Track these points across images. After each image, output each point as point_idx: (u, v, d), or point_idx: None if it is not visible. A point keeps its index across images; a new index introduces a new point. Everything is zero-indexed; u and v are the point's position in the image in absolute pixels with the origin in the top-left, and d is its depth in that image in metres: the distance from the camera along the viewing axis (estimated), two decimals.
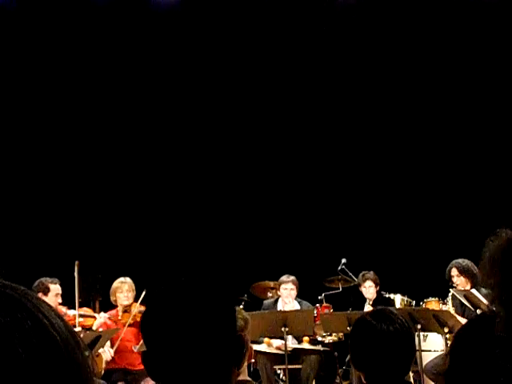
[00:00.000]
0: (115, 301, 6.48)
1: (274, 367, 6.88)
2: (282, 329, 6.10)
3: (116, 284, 6.49)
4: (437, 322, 5.74)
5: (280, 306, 7.07)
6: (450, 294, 6.76)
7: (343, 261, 7.96)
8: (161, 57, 9.21)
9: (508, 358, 1.80)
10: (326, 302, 7.67)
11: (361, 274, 7.36)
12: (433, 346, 6.90)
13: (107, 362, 6.20)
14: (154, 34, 9.15)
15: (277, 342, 6.80)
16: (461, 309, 6.50)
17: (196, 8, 9.23)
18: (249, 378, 2.85)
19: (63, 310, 6.16)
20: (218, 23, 9.18)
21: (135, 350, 6.04)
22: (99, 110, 9.14)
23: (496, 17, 8.97)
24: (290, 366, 6.37)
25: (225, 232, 9.04)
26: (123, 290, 6.42)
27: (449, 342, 6.19)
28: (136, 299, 6.41)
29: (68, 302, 6.32)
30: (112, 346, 6.22)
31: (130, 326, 6.26)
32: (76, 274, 6.34)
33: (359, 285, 7.38)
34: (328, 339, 7.19)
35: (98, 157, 9.16)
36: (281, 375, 7.07)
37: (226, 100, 9.35)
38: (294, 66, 9.29)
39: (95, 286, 7.65)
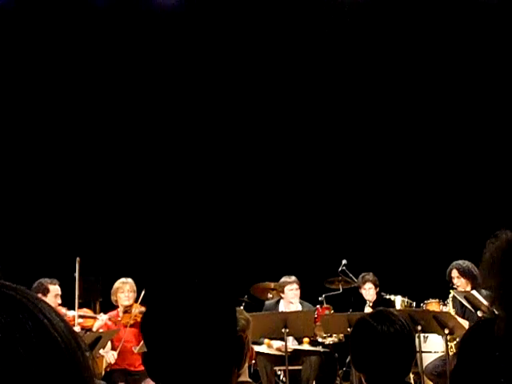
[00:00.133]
0: (116, 301, 6.48)
1: (274, 368, 6.88)
2: (283, 330, 6.10)
3: (117, 284, 6.49)
4: (437, 323, 5.74)
5: (282, 307, 7.06)
6: (450, 296, 6.76)
7: (344, 262, 7.96)
8: (161, 58, 9.22)
9: (508, 359, 1.80)
10: (327, 303, 7.67)
11: (360, 276, 7.36)
12: (433, 347, 6.90)
13: (110, 364, 6.20)
14: (154, 34, 9.16)
15: (277, 344, 6.80)
16: (461, 310, 6.49)
17: (197, 9, 9.24)
18: (249, 380, 2.85)
19: (63, 310, 6.15)
20: (220, 23, 9.18)
21: (135, 351, 6.03)
22: (102, 109, 9.15)
23: (497, 17, 8.97)
24: (290, 367, 6.36)
25: (225, 233, 9.04)
26: (124, 290, 6.42)
27: (449, 344, 6.19)
28: (136, 300, 6.41)
29: (68, 302, 6.32)
30: (114, 348, 6.22)
31: (130, 326, 6.26)
32: (77, 271, 6.33)
33: (359, 286, 7.38)
34: (328, 340, 7.18)
35: (99, 159, 9.16)
36: (281, 376, 7.07)
37: (228, 100, 9.35)
38: (296, 66, 9.30)
39: (96, 287, 7.65)
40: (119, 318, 6.38)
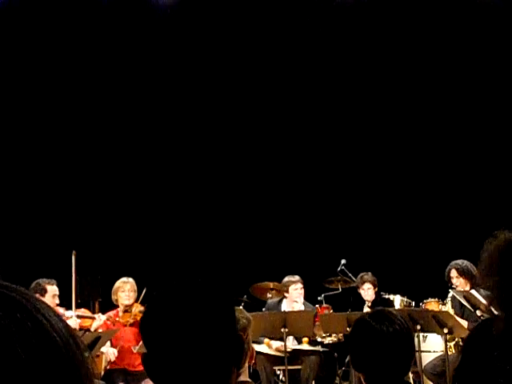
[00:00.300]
0: (116, 300, 6.48)
1: (274, 368, 6.88)
2: (282, 329, 6.10)
3: (118, 283, 6.49)
4: (436, 322, 5.74)
5: (284, 307, 7.05)
6: (449, 295, 6.76)
7: (343, 262, 7.96)
8: (161, 56, 9.22)
9: (507, 359, 1.81)
10: (326, 303, 7.67)
11: (359, 276, 7.34)
12: (432, 346, 6.90)
13: (109, 363, 6.20)
14: (155, 33, 9.16)
15: (276, 344, 6.80)
16: (460, 310, 6.50)
17: (196, 8, 9.24)
18: (249, 380, 2.85)
19: (61, 310, 6.15)
20: (217, 23, 9.18)
21: (134, 351, 6.03)
22: (99, 106, 9.15)
23: (496, 17, 8.97)
24: (289, 367, 6.37)
25: (224, 233, 9.04)
26: (125, 289, 6.42)
27: (448, 343, 6.19)
28: (137, 300, 6.41)
29: (66, 303, 6.31)
30: (113, 347, 6.22)
31: (130, 325, 6.26)
32: (73, 265, 6.30)
33: (358, 287, 7.37)
34: (328, 340, 7.18)
35: (99, 156, 9.16)
36: (280, 376, 7.07)
37: (226, 100, 9.35)
38: (293, 65, 9.30)
39: (95, 287, 7.65)
40: (118, 318, 6.38)
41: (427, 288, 7.35)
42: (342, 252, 8.12)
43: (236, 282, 7.61)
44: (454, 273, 6.55)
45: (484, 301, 5.42)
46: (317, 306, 7.44)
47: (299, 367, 6.78)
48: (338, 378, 7.42)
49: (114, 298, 6.51)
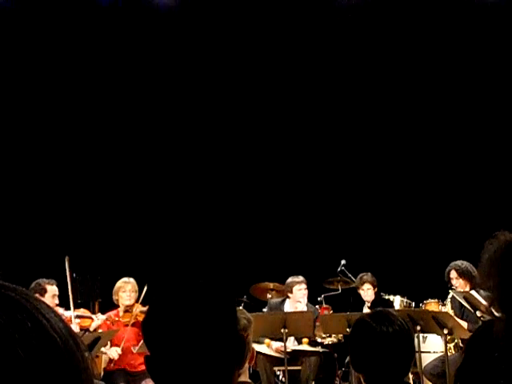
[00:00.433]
0: (117, 300, 6.48)
1: (274, 368, 6.88)
2: (282, 330, 6.10)
3: (119, 284, 6.50)
4: (436, 323, 5.74)
5: (287, 307, 7.05)
6: (449, 296, 6.76)
7: (343, 262, 7.96)
8: (161, 57, 9.22)
9: (507, 360, 1.80)
10: (326, 304, 7.67)
11: (358, 277, 7.34)
12: (432, 347, 6.90)
13: (112, 361, 6.19)
14: (155, 34, 9.16)
15: (276, 345, 6.80)
16: (460, 310, 6.50)
17: (197, 9, 9.24)
18: (249, 380, 2.86)
19: (60, 310, 6.15)
20: (218, 24, 9.18)
21: (134, 351, 6.03)
22: (97, 107, 9.15)
23: (496, 17, 8.98)
24: (289, 368, 6.36)
25: (224, 233, 9.04)
26: (126, 289, 6.42)
27: (448, 344, 6.19)
28: (137, 300, 6.41)
29: (65, 303, 6.31)
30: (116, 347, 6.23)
31: (131, 325, 6.26)
32: (67, 270, 6.31)
33: (357, 287, 7.37)
34: (327, 340, 7.18)
35: (97, 157, 9.16)
36: (280, 376, 7.07)
37: (226, 100, 9.36)
38: (294, 65, 9.30)
39: (94, 288, 7.65)
40: (117, 318, 6.38)
41: (427, 289, 7.35)
42: (342, 252, 8.12)
43: (236, 283, 7.61)
44: (453, 274, 6.54)
45: (484, 302, 5.42)
46: (317, 306, 7.44)
47: (299, 368, 6.78)
48: (337, 379, 7.42)
49: (114, 298, 6.51)
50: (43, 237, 8.61)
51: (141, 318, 6.09)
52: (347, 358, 6.99)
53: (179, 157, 9.27)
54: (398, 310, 6.52)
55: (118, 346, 6.19)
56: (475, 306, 5.78)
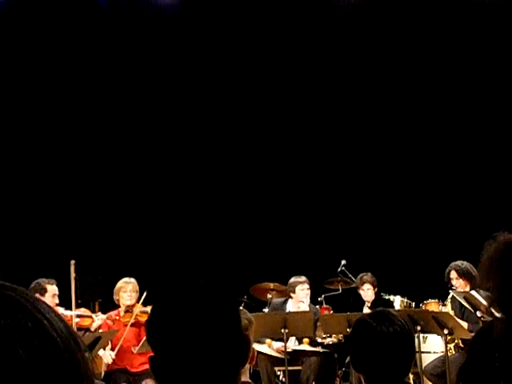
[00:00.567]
0: (118, 300, 6.48)
1: (274, 368, 6.88)
2: (282, 330, 6.10)
3: (120, 284, 6.50)
4: (436, 323, 5.74)
5: (290, 307, 7.05)
6: (449, 296, 6.76)
7: (343, 262, 7.95)
8: (162, 57, 9.22)
9: (507, 361, 1.81)
10: (326, 304, 7.67)
11: (358, 277, 7.34)
12: (432, 347, 6.91)
13: (107, 365, 6.19)
14: (156, 34, 9.16)
15: (277, 344, 6.80)
16: (460, 311, 6.50)
17: (197, 10, 9.24)
18: (249, 380, 2.86)
19: (60, 310, 6.15)
20: (219, 24, 9.18)
21: (135, 351, 6.03)
22: (99, 110, 9.15)
23: (496, 17, 8.97)
24: (289, 368, 6.37)
25: (225, 234, 9.04)
26: (127, 289, 6.42)
27: (448, 344, 6.19)
28: (138, 301, 6.42)
29: (65, 302, 6.32)
30: (113, 347, 6.22)
31: (131, 325, 6.26)
32: (72, 274, 6.32)
33: (357, 287, 7.37)
34: (328, 341, 7.18)
35: (98, 158, 9.16)
36: (281, 377, 7.07)
37: (227, 101, 9.35)
38: (294, 65, 9.30)
39: (95, 288, 7.65)
40: (117, 317, 6.38)
41: (427, 289, 7.35)
42: (342, 253, 8.11)
43: (236, 283, 7.61)
44: (453, 274, 6.55)
45: (484, 302, 5.42)
46: (317, 306, 7.44)
47: (299, 368, 6.78)
48: (338, 379, 7.41)
49: (115, 298, 6.52)
50: (45, 237, 8.61)
51: (141, 318, 6.09)
52: (347, 358, 6.99)
53: (180, 159, 9.27)
54: (398, 310, 6.52)
55: (116, 345, 6.19)
56: (475, 306, 5.78)
